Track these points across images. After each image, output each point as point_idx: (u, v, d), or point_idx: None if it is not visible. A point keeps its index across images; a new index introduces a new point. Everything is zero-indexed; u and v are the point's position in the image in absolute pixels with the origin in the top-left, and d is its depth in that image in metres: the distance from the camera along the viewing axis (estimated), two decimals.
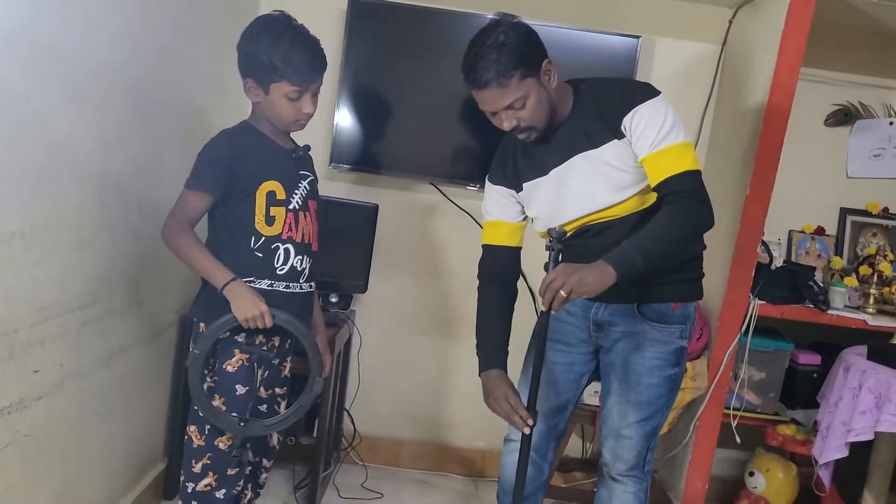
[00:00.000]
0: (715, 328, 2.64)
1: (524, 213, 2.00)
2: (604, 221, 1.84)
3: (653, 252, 1.65)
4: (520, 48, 1.71)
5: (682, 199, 1.70)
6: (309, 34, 1.81)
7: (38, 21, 1.51)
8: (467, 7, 2.83)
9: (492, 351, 1.94)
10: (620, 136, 1.77)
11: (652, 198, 1.81)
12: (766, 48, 2.57)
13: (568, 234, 1.76)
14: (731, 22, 2.90)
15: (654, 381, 1.87)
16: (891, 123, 3.00)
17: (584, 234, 1.86)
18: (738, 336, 2.60)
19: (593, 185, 1.82)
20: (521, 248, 2.04)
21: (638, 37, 2.81)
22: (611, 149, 1.79)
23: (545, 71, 1.77)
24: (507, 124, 1.78)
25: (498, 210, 2.00)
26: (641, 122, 1.74)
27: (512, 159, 1.96)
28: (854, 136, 3.03)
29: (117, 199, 1.94)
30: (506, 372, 1.90)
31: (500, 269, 2.02)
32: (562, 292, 1.57)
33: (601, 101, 1.81)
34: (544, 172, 1.89)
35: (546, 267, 1.67)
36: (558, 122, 1.85)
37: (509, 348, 1.97)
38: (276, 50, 1.74)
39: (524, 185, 1.94)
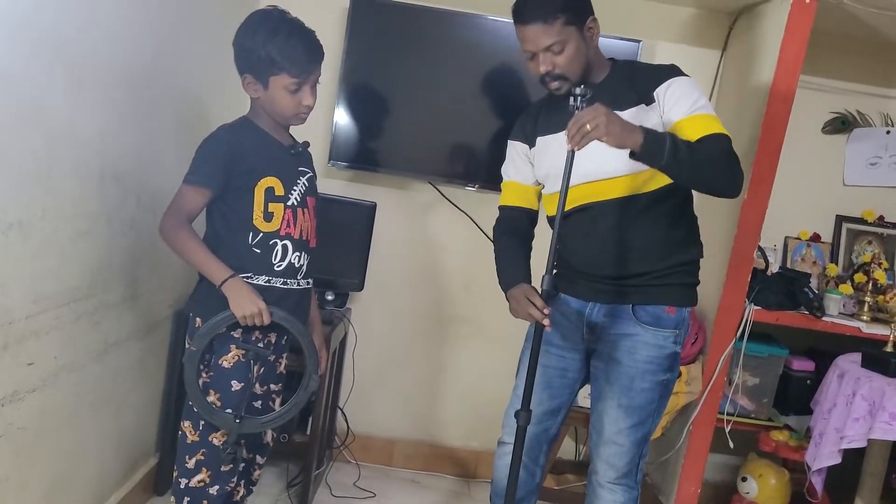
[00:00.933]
0: (710, 333, 2.65)
1: (536, 176, 2.01)
2: (606, 201, 1.85)
3: (682, 156, 1.66)
4: None
5: (726, 154, 1.74)
6: (304, 26, 1.82)
7: (39, 13, 1.50)
8: (469, 7, 2.83)
9: (513, 273, 1.92)
10: (649, 101, 1.81)
11: (657, 183, 1.82)
12: (765, 55, 2.58)
13: (568, 209, 1.78)
14: (731, 28, 2.91)
15: (646, 385, 1.87)
16: (888, 132, 3.01)
17: (587, 212, 1.87)
18: (734, 341, 2.61)
19: (606, 147, 1.80)
20: (535, 211, 2.05)
21: (639, 41, 2.82)
22: (635, 113, 1.81)
23: (588, 27, 1.85)
24: (543, 67, 1.82)
25: (513, 170, 2.05)
26: (678, 91, 1.80)
27: (534, 117, 2.02)
28: (851, 144, 3.04)
29: (115, 191, 1.93)
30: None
31: (513, 225, 2.04)
32: (588, 125, 1.59)
33: (635, 72, 1.90)
34: (562, 128, 1.86)
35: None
36: (590, 84, 1.87)
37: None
38: (274, 43, 1.74)
39: (538, 139, 1.98)
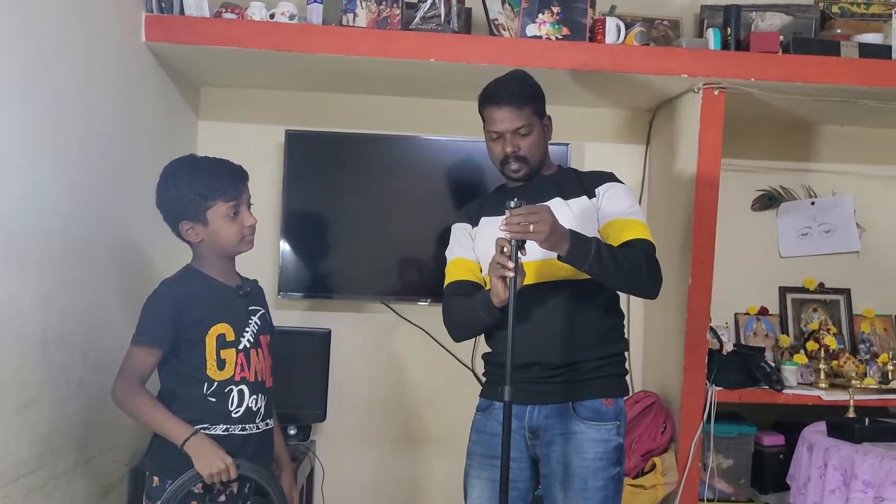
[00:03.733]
0: (678, 420, 2.65)
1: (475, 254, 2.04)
2: (546, 283, 1.90)
3: (605, 262, 1.78)
4: (536, 90, 1.98)
5: (647, 259, 1.87)
6: (217, 158, 1.86)
7: None
8: (399, 130, 2.93)
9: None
10: (591, 195, 1.98)
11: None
12: (687, 145, 2.71)
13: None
14: (651, 123, 3.06)
15: (599, 483, 1.86)
16: (812, 203, 3.15)
17: (526, 295, 1.86)
18: (701, 424, 2.61)
19: None
20: (484, 286, 2.00)
21: (567, 144, 2.93)
22: (579, 203, 1.97)
23: (545, 123, 2.01)
24: (509, 148, 1.94)
25: (458, 248, 2.07)
26: (617, 193, 1.98)
27: (479, 203, 2.12)
28: (781, 218, 3.17)
29: (61, 353, 1.89)
30: None
31: (465, 296, 2.00)
32: (532, 227, 1.68)
33: (580, 173, 2.11)
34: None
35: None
36: (541, 175, 2.02)
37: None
38: (198, 180, 1.78)
39: (483, 219, 2.04)
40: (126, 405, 1.73)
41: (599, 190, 1.98)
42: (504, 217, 1.73)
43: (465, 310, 1.96)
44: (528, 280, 1.87)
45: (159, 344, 1.74)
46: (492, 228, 1.95)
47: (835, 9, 2.94)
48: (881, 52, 2.61)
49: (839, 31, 2.81)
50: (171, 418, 1.71)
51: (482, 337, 2.08)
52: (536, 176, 2.01)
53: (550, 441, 1.91)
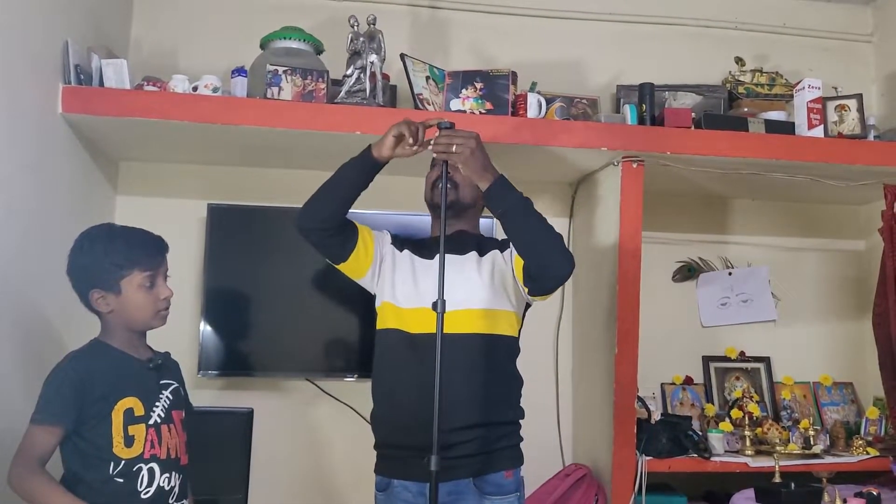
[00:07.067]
0: (609, 492, 2.61)
1: (370, 260, 2.09)
2: (453, 335, 1.89)
3: (529, 210, 1.87)
4: None
5: (559, 234, 1.96)
6: (136, 227, 1.82)
7: None
8: None
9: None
10: (504, 248, 2.09)
11: (504, 329, 1.97)
12: (608, 216, 2.77)
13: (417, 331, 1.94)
14: (573, 197, 3.13)
15: None
16: (729, 274, 3.26)
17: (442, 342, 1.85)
18: (633, 496, 2.58)
19: (460, 281, 1.97)
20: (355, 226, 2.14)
21: (492, 217, 2.95)
22: (491, 255, 2.08)
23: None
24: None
25: (370, 231, 2.15)
26: None
27: (409, 240, 2.19)
28: (700, 289, 3.25)
29: None
30: None
31: None
32: (455, 147, 1.78)
33: (497, 239, 2.21)
34: (429, 258, 2.04)
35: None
36: (463, 234, 2.13)
37: None
38: (115, 248, 1.72)
39: (406, 251, 2.09)
40: (23, 490, 1.60)
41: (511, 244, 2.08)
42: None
43: (331, 178, 2.01)
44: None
45: (60, 421, 1.62)
46: (411, 264, 2.07)
47: (741, 89, 3.12)
48: (785, 127, 2.78)
49: (746, 109, 2.97)
50: (72, 502, 1.58)
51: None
52: (462, 233, 2.10)
53: None
